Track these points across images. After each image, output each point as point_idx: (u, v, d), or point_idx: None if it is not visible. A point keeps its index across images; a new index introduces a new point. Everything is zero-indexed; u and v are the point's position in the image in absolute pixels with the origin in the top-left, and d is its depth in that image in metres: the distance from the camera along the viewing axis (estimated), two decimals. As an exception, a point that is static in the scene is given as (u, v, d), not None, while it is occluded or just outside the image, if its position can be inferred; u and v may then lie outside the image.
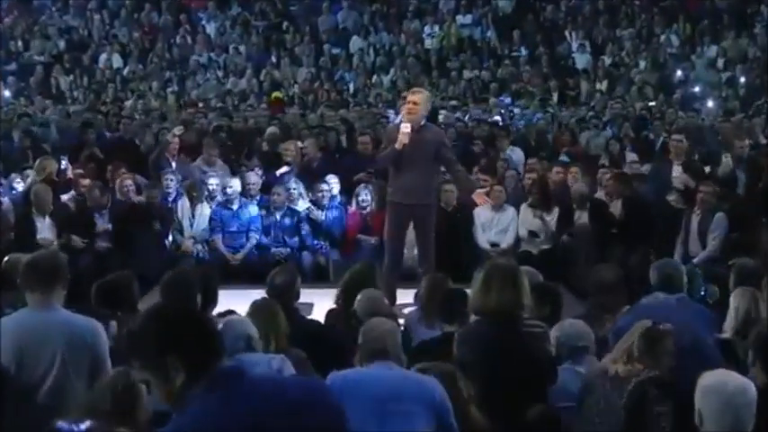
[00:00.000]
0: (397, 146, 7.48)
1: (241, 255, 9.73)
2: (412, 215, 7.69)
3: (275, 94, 16.89)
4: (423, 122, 7.68)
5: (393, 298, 7.33)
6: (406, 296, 7.55)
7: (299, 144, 11.25)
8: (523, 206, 9.99)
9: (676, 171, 9.75)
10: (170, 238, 9.80)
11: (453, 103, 16.16)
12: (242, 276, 9.22)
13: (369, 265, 6.47)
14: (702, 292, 6.76)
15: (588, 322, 4.83)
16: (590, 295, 5.44)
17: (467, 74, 18.31)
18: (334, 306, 5.94)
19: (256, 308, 4.91)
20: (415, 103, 7.59)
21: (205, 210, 9.95)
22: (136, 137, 12.49)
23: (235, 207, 9.93)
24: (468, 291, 4.70)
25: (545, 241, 9.71)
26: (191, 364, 2.35)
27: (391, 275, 7.59)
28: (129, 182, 9.91)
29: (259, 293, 5.57)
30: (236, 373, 2.38)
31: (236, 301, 5.86)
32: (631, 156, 11.48)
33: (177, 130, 10.94)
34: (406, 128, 7.50)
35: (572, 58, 18.84)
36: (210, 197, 10.12)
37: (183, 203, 9.92)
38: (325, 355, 4.96)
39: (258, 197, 10.25)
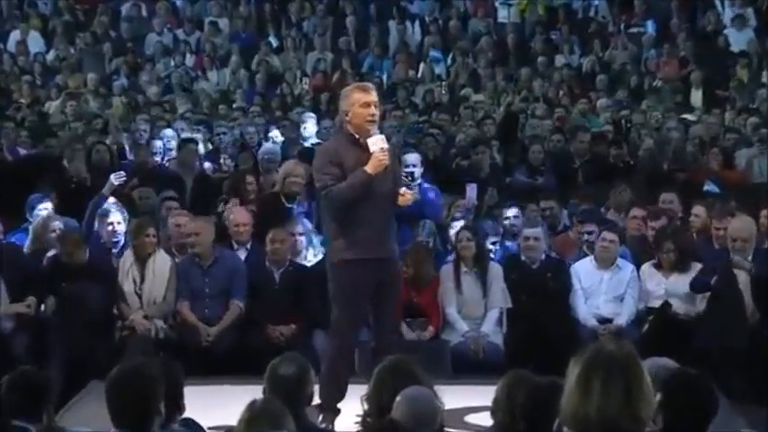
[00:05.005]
0: (370, 169, 7.44)
1: (216, 330, 9.72)
2: (376, 276, 7.69)
3: None
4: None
5: (340, 396, 7.49)
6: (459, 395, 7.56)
7: None
8: (647, 266, 10.00)
9: None
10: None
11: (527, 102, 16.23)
12: (217, 364, 9.28)
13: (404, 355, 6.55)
14: None
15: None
16: None
17: (561, 61, 18.40)
18: (362, 427, 5.98)
19: (259, 412, 4.91)
20: (376, 106, 7.74)
21: (161, 265, 9.97)
22: (63, 155, 12.63)
23: (209, 261, 9.97)
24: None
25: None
26: None
27: (343, 364, 7.70)
28: (56, 222, 9.98)
29: (248, 391, 5.58)
30: None
31: (209, 401, 5.88)
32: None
33: (115, 178, 10.78)
34: (383, 141, 7.57)
35: (724, 37, 18.87)
36: (179, 248, 10.19)
37: (127, 258, 9.88)
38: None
39: (248, 245, 10.33)
